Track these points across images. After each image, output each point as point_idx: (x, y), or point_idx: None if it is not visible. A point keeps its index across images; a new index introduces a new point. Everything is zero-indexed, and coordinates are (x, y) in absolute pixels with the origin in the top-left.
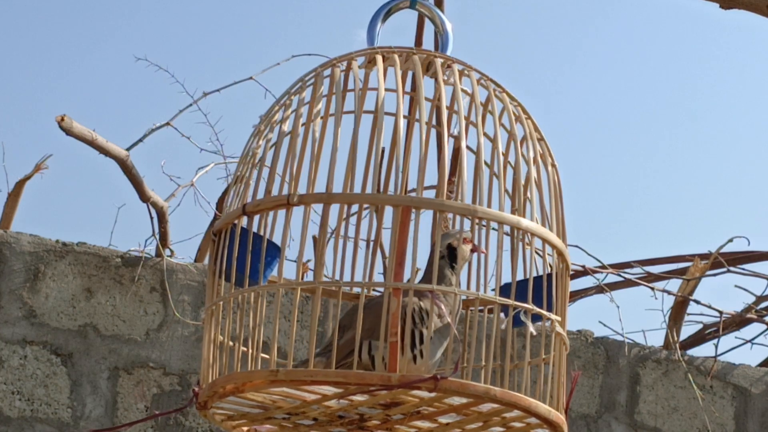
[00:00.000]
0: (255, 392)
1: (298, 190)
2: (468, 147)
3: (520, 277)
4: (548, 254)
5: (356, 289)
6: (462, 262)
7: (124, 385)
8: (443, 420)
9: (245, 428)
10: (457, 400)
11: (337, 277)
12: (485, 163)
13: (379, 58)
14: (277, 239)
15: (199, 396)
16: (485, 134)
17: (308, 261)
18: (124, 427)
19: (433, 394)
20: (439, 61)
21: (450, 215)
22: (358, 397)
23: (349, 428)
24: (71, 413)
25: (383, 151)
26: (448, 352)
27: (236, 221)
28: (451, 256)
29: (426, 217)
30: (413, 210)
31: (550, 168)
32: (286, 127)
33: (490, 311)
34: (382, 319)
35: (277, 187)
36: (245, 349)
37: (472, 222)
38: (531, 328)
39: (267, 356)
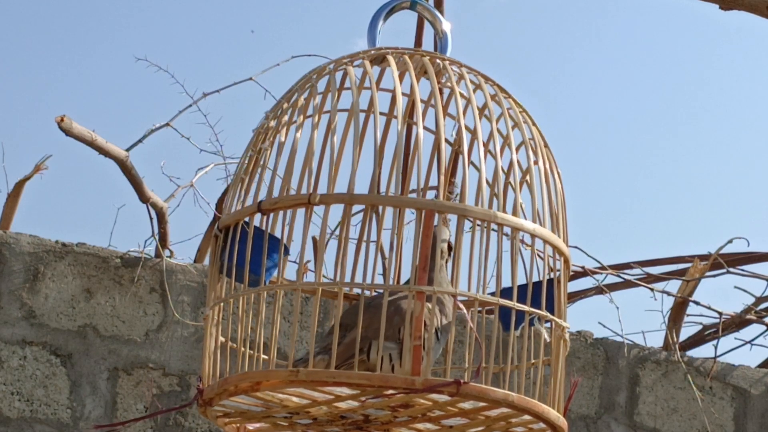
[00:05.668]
0: (269, 392)
1: (312, 190)
2: (460, 152)
3: (523, 282)
4: (556, 259)
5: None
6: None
7: (123, 385)
8: (447, 423)
9: (236, 425)
10: (468, 404)
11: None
12: (477, 167)
13: (391, 58)
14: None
15: (204, 393)
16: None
17: (308, 262)
18: (128, 424)
19: (449, 398)
20: (446, 64)
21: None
22: (372, 399)
23: (348, 428)
24: (71, 414)
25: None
26: (472, 357)
27: (248, 218)
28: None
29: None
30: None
31: (556, 175)
32: (296, 126)
33: (488, 312)
34: (405, 320)
35: (277, 187)
36: (245, 349)
37: (500, 229)
38: (545, 335)
39: (266, 356)
